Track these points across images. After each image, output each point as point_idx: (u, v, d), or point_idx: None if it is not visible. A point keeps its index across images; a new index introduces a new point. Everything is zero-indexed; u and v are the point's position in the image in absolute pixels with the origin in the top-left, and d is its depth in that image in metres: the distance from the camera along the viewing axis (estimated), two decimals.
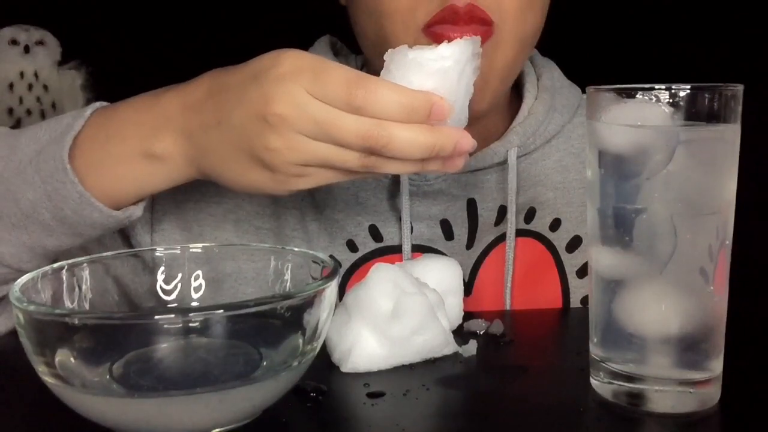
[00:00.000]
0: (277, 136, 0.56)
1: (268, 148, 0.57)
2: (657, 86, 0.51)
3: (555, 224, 0.82)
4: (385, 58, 0.59)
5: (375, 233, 0.80)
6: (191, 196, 0.78)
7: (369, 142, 0.55)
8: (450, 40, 0.57)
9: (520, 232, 0.81)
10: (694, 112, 0.51)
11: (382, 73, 0.58)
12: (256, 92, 0.57)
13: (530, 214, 0.81)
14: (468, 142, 0.58)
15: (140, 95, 0.65)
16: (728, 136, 0.52)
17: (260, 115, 0.56)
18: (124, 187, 0.64)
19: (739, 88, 0.52)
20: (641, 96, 0.51)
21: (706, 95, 0.51)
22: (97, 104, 0.67)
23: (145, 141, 0.62)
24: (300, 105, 0.55)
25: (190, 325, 0.48)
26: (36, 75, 1.99)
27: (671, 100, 0.50)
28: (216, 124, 0.59)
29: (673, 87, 0.50)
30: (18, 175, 0.64)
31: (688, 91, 0.50)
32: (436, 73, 0.56)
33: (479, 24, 0.68)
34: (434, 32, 0.68)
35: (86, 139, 0.64)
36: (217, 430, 0.49)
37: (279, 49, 0.59)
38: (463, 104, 0.59)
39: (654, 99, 0.51)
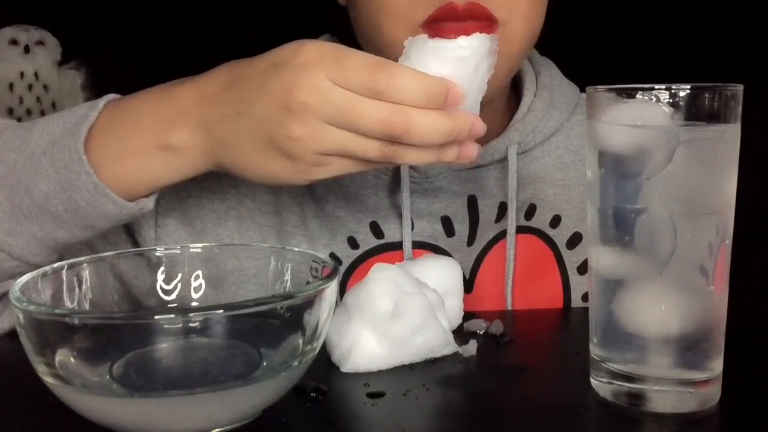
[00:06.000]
0: (300, 124, 0.56)
1: (290, 136, 0.57)
2: (657, 86, 0.51)
3: (555, 221, 0.82)
4: (405, 44, 0.60)
5: (376, 230, 0.80)
6: (193, 192, 0.78)
7: (389, 128, 0.56)
8: (468, 34, 0.58)
9: (520, 229, 0.81)
10: (694, 112, 0.51)
11: (400, 58, 0.59)
12: (278, 81, 0.57)
13: (530, 211, 0.82)
14: (480, 125, 0.59)
15: (154, 87, 0.65)
16: (728, 136, 0.52)
17: (283, 104, 0.56)
18: (139, 178, 0.64)
19: (739, 88, 0.52)
20: (641, 96, 0.51)
21: (706, 95, 0.51)
22: (110, 96, 0.67)
23: (161, 133, 0.62)
24: (322, 92, 0.55)
25: (190, 325, 0.48)
26: (36, 75, 1.99)
27: (671, 100, 0.50)
28: (235, 115, 0.59)
29: (673, 87, 0.50)
30: (31, 166, 0.64)
31: (688, 91, 0.50)
32: (453, 61, 0.57)
33: (484, 20, 0.68)
34: (432, 28, 0.68)
35: (100, 130, 0.64)
36: (217, 430, 0.49)
37: (298, 40, 0.59)
38: (476, 98, 0.59)
39: (654, 99, 0.51)
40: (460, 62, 0.58)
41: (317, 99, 0.55)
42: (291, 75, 0.56)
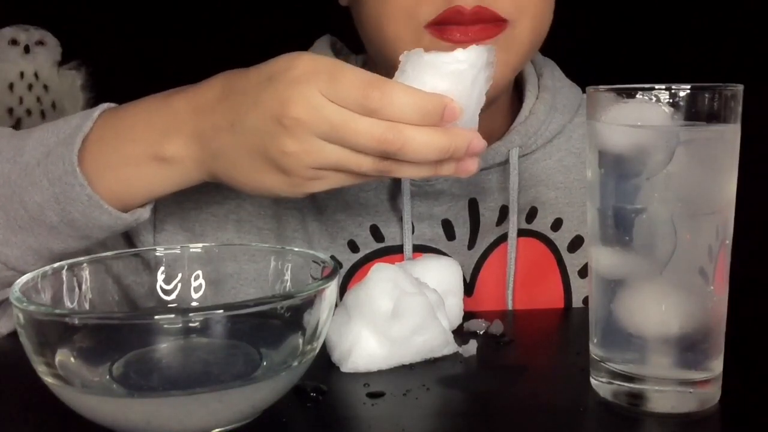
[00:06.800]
0: (293, 139, 0.56)
1: (283, 151, 0.57)
2: (657, 86, 0.51)
3: (557, 224, 0.82)
4: (400, 58, 0.59)
5: (376, 233, 0.80)
6: (192, 196, 0.78)
7: (384, 145, 0.55)
8: (461, 42, 0.58)
9: (521, 232, 0.81)
10: (694, 112, 0.51)
11: (396, 73, 0.59)
12: (271, 95, 0.56)
13: (532, 214, 0.81)
14: (479, 142, 0.58)
15: (149, 96, 0.65)
16: (728, 136, 0.52)
17: (276, 118, 0.56)
18: (133, 189, 0.64)
19: (739, 88, 0.52)
20: (641, 96, 0.51)
21: (706, 95, 0.51)
22: (105, 105, 0.67)
23: (155, 143, 0.62)
24: (315, 108, 0.55)
25: (190, 325, 0.48)
26: (36, 75, 1.99)
27: (671, 100, 0.50)
28: (229, 127, 0.59)
29: (673, 87, 0.50)
30: (25, 177, 0.64)
31: (688, 91, 0.50)
32: (450, 75, 0.57)
33: (491, 23, 0.68)
34: (438, 30, 0.68)
35: (95, 140, 0.64)
36: (217, 430, 0.49)
37: (293, 52, 0.58)
38: (475, 111, 0.59)
39: (654, 99, 0.51)
40: (457, 77, 0.57)
41: (310, 115, 0.55)
42: (284, 89, 0.56)
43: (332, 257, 0.79)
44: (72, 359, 0.49)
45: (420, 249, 0.79)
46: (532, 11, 0.70)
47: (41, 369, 0.48)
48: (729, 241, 0.53)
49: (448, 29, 0.67)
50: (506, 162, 0.80)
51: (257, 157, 0.59)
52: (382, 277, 0.60)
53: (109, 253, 0.61)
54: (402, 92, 0.55)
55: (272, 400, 0.51)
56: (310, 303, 0.50)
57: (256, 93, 0.58)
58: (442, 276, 0.67)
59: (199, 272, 0.62)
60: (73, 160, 0.62)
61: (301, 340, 0.51)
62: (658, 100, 0.51)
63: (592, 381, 0.56)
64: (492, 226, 0.81)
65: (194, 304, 0.61)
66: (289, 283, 0.60)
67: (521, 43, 0.71)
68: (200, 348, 0.51)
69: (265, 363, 0.52)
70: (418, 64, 0.58)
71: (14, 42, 1.98)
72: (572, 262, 0.82)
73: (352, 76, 0.55)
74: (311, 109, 0.55)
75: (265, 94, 0.57)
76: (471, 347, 0.63)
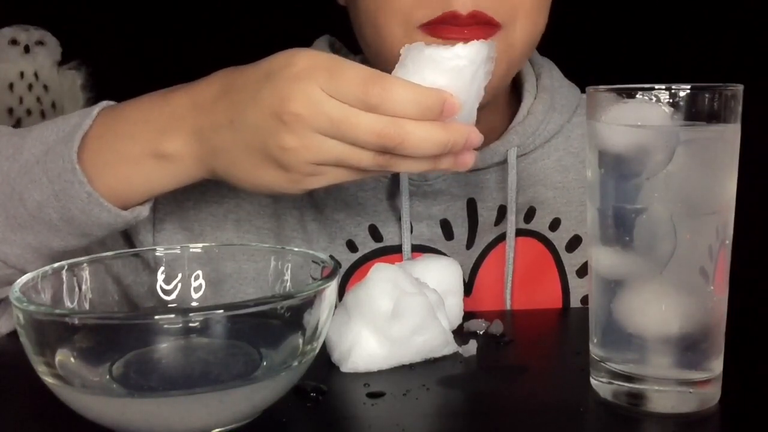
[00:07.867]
0: (293, 135, 0.56)
1: (283, 147, 0.57)
2: (657, 86, 0.51)
3: (555, 224, 0.82)
4: (401, 51, 0.59)
5: (375, 233, 0.80)
6: (191, 195, 0.78)
7: (384, 140, 0.55)
8: (455, 41, 0.58)
9: (520, 232, 0.81)
10: (694, 112, 0.51)
11: (396, 66, 0.59)
12: (271, 91, 0.57)
13: (530, 214, 0.82)
14: (477, 136, 0.59)
15: (148, 94, 0.65)
16: (728, 136, 0.52)
17: (275, 114, 0.56)
18: (133, 187, 0.64)
19: (739, 88, 0.52)
20: (641, 96, 0.51)
21: (706, 95, 0.51)
22: (104, 103, 0.67)
23: (155, 141, 0.62)
24: (315, 103, 0.55)
25: (190, 325, 0.48)
26: (36, 75, 1.99)
27: (671, 100, 0.50)
28: (228, 124, 0.59)
29: (673, 87, 0.50)
30: (25, 175, 0.64)
31: (688, 91, 0.50)
32: (450, 71, 0.57)
33: (484, 25, 0.68)
34: (433, 30, 0.68)
35: (94, 138, 0.64)
36: (217, 430, 0.49)
37: (292, 49, 0.58)
38: (473, 105, 0.59)
39: (654, 99, 0.51)
40: (457, 73, 0.57)
41: (310, 110, 0.55)
42: (284, 86, 0.56)
43: (331, 257, 0.79)
44: (72, 359, 0.49)
45: (418, 249, 0.79)
46: (526, 17, 0.70)
47: (41, 369, 0.48)
48: (729, 241, 0.53)
49: (441, 28, 0.67)
50: (504, 162, 0.80)
51: (257, 154, 0.59)
52: (382, 277, 0.60)
53: (109, 253, 0.61)
54: (402, 88, 0.55)
55: (272, 400, 0.51)
56: (310, 303, 0.50)
57: (256, 89, 0.58)
58: (442, 276, 0.67)
59: (199, 272, 0.62)
60: (72, 158, 0.62)
61: (301, 340, 0.51)
62: (658, 100, 0.51)
63: (592, 381, 0.56)
64: (490, 225, 0.81)
65: (194, 304, 0.61)
66: (288, 283, 0.60)
67: (514, 49, 0.71)
68: (200, 348, 0.51)
69: (265, 363, 0.52)
70: (418, 58, 0.58)
71: (14, 42, 1.99)
72: (570, 261, 0.82)
73: (352, 72, 0.55)
74: (311, 104, 0.55)
75: (264, 90, 0.57)
76: (471, 347, 0.63)
